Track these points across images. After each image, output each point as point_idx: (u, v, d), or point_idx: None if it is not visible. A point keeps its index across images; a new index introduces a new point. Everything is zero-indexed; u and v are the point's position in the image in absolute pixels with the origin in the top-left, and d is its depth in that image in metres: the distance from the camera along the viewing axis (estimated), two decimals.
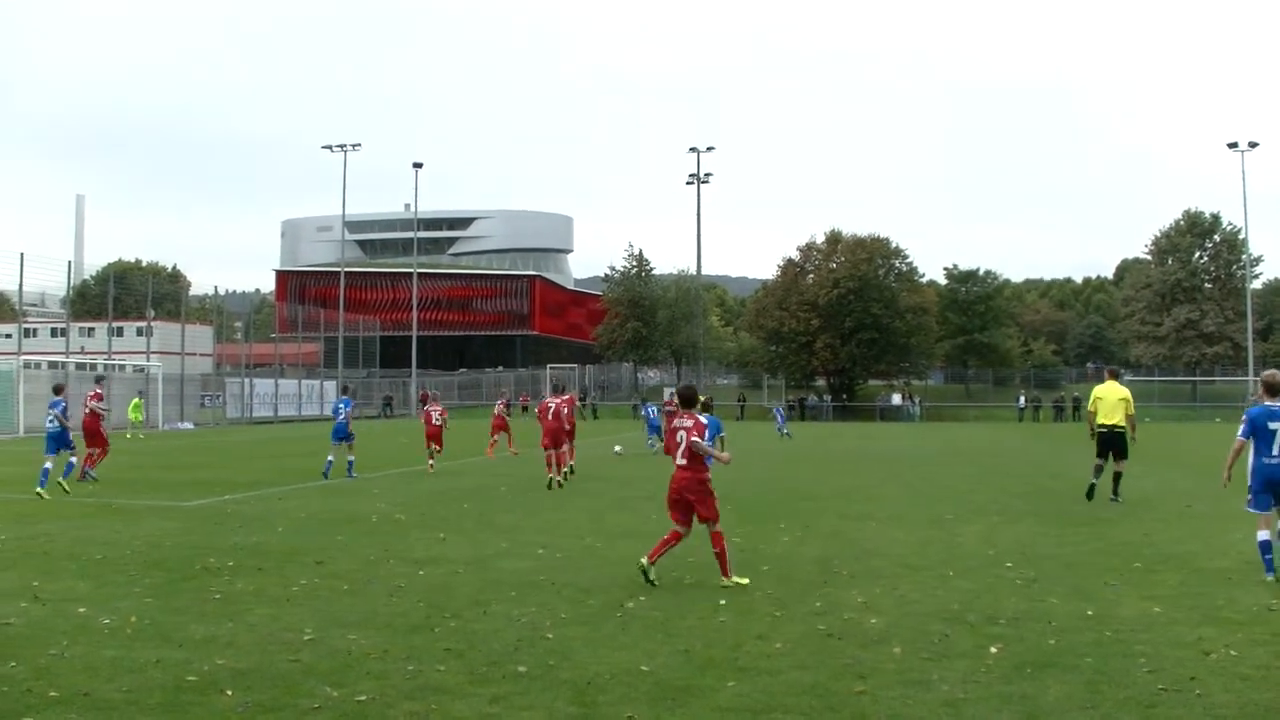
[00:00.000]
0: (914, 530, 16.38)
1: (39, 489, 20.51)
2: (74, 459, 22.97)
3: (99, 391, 26.87)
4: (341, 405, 27.12)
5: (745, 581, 11.62)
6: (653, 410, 39.53)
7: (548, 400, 26.24)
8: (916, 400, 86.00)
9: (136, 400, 53.54)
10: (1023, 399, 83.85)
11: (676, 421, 12.22)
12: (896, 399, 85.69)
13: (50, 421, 22.39)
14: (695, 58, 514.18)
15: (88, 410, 25.86)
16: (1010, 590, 11.24)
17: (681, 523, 11.96)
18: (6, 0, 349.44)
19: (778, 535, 15.61)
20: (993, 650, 8.57)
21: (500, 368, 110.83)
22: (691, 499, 11.89)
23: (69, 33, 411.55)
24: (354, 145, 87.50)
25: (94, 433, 25.17)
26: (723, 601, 10.57)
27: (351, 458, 26.04)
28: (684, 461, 11.96)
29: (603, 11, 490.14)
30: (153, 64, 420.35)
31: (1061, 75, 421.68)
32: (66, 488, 21.51)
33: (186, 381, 65.50)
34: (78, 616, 9.79)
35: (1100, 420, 20.21)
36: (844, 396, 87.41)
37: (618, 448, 36.67)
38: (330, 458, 25.85)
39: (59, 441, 22.14)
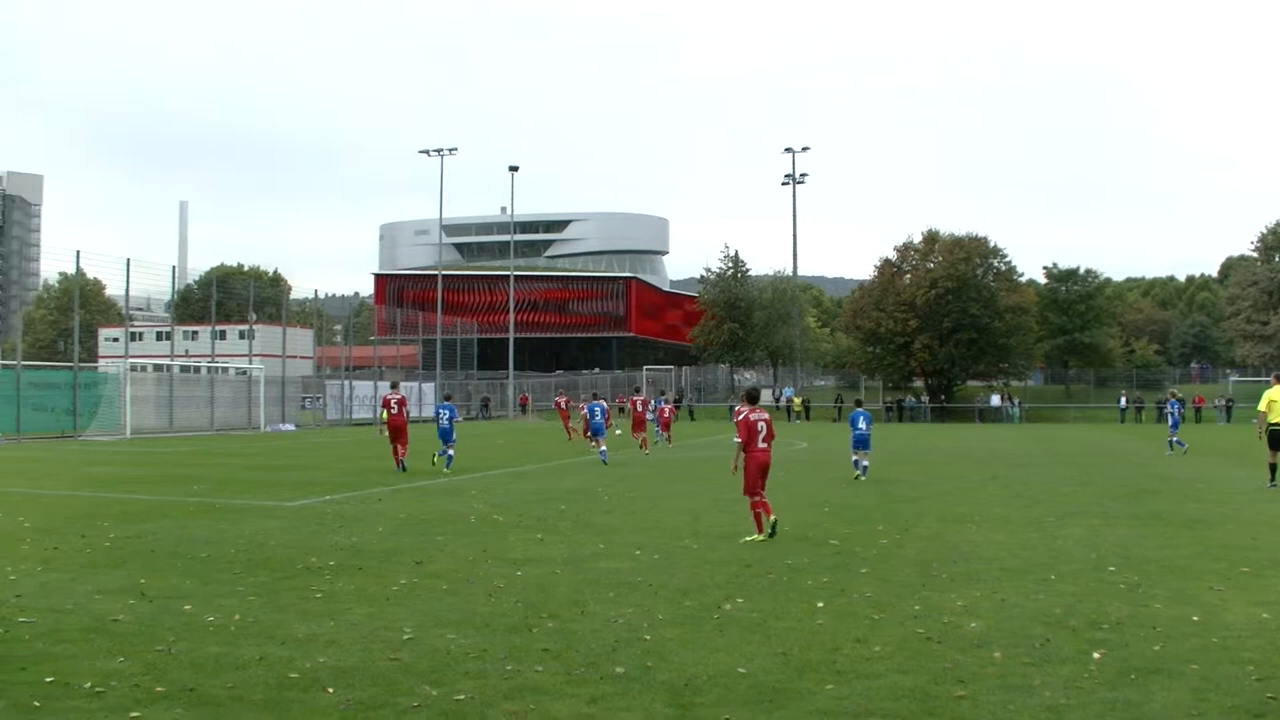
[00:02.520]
0: (1014, 533, 16.17)
1: (445, 469, 27.82)
2: (451, 454, 28.70)
3: (402, 396, 30.26)
4: (443, 410, 29.94)
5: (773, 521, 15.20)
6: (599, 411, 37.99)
7: (634, 398, 38.55)
8: (1016, 401, 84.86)
9: None
10: (1124, 400, 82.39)
11: (754, 415, 15.86)
12: (996, 400, 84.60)
13: (443, 420, 29.25)
14: (791, 57, 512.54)
15: (393, 410, 29.09)
16: (1113, 594, 11.05)
17: (764, 490, 15.57)
18: (109, 17, 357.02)
19: (876, 538, 15.49)
20: (1096, 656, 8.42)
21: (596, 369, 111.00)
22: (766, 473, 15.70)
23: (173, 43, 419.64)
24: (451, 149, 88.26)
25: (400, 428, 28.60)
26: (820, 604, 10.51)
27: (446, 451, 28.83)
28: (765, 445, 15.81)
29: (699, 12, 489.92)
30: (254, 73, 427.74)
31: (1165, 68, 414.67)
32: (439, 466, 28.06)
33: (287, 384, 66.40)
34: (183, 614, 9.96)
35: (1272, 420, 23.15)
36: (942, 398, 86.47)
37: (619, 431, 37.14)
38: (450, 452, 28.77)
39: (447, 435, 28.93)
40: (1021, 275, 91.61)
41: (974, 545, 14.81)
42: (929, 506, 20.06)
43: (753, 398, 16.90)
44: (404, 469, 27.88)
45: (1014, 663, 8.25)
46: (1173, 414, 39.01)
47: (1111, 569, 12.61)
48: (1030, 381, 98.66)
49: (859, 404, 29.27)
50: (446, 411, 29.92)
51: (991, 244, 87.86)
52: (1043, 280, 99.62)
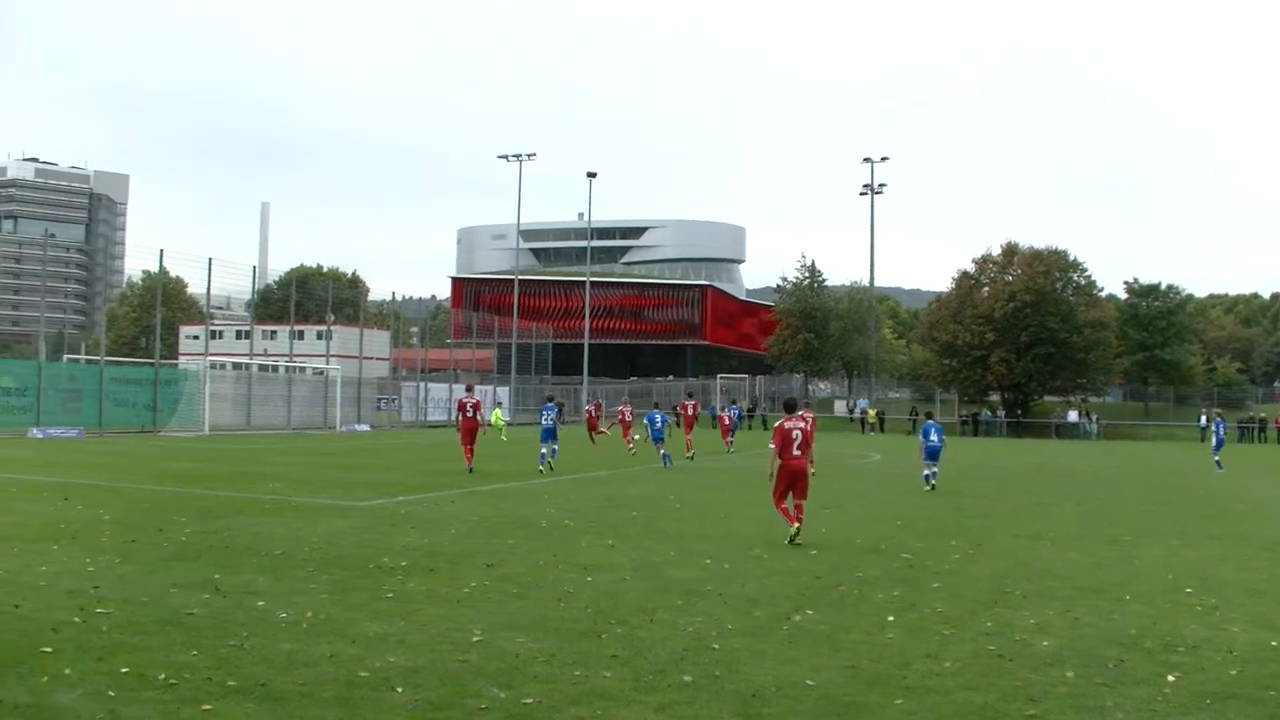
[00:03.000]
0: (1089, 551, 15.97)
1: (540, 467, 29.81)
2: (555, 447, 30.90)
3: (477, 400, 30.88)
4: (547, 410, 32.16)
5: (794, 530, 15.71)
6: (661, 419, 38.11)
7: (684, 403, 41.41)
8: (1094, 418, 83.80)
9: (497, 410, 54.64)
10: (1204, 418, 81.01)
11: (789, 424, 16.47)
12: (1073, 416, 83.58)
13: (546, 420, 31.35)
14: (872, 66, 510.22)
15: (468, 413, 29.92)
16: (1190, 616, 10.88)
17: (788, 497, 16.26)
18: (196, 18, 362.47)
19: (948, 552, 15.36)
20: (1170, 679, 8.29)
21: (670, 376, 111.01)
22: (801, 481, 16.36)
23: (256, 45, 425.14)
24: (529, 155, 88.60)
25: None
26: (891, 618, 10.43)
27: (545, 450, 30.88)
28: (799, 453, 16.37)
29: (778, 20, 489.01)
30: (337, 76, 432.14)
31: (1246, 82, 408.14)
32: (547, 469, 29.70)
33: (364, 385, 67.07)
34: (256, 609, 10.07)
35: None
36: (1018, 412, 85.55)
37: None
38: (545, 451, 30.71)
39: (551, 435, 30.85)
40: (1101, 290, 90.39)
41: (1048, 562, 14.65)
42: (1003, 522, 19.87)
43: (789, 407, 17.50)
44: (470, 471, 28.24)
45: (1086, 683, 8.14)
46: (1217, 433, 38.28)
47: (1189, 590, 12.42)
48: (1108, 398, 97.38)
49: (929, 416, 29.18)
50: (550, 412, 31.84)
51: (1071, 258, 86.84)
52: (1123, 295, 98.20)
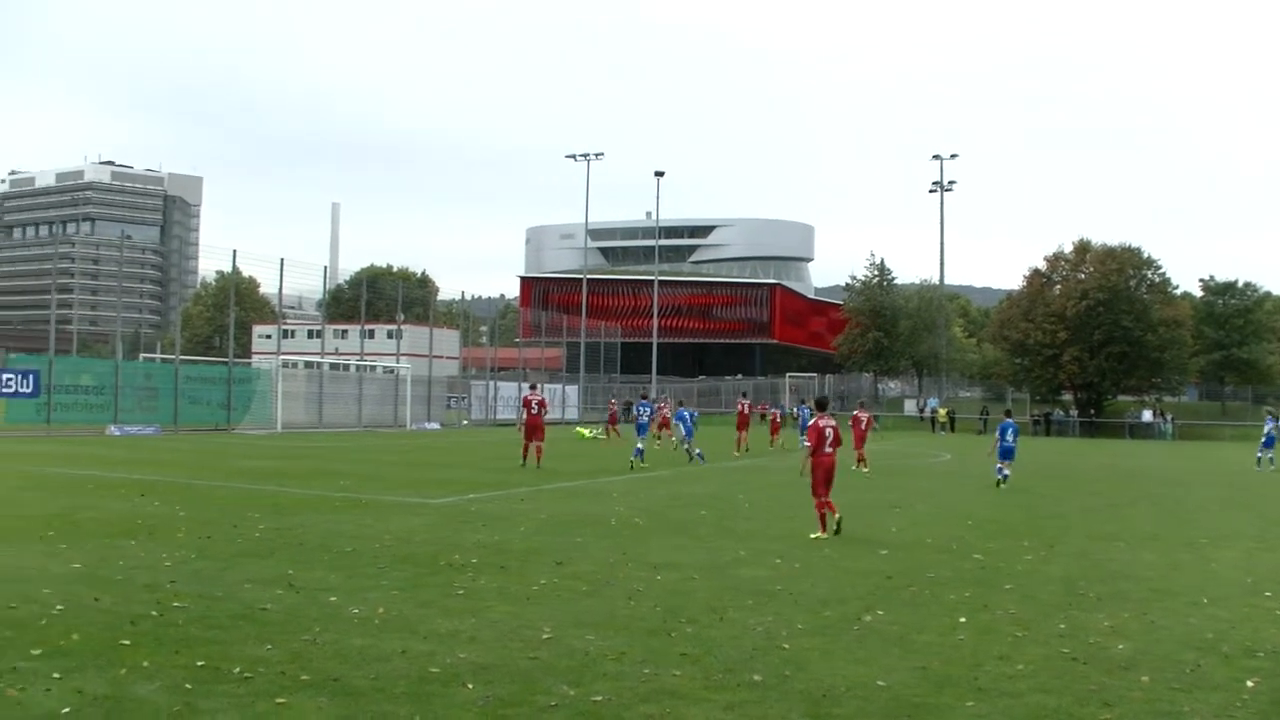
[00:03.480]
0: (1165, 553, 15.78)
1: (633, 459, 31.70)
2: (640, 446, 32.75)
3: (542, 398, 31.95)
4: (643, 408, 35.72)
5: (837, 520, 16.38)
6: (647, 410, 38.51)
7: (741, 401, 43.92)
8: (1169, 417, 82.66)
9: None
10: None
11: (822, 421, 17.08)
12: (1147, 415, 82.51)
13: (642, 416, 34.98)
14: (941, 63, 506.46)
15: (533, 410, 30.86)
16: (1269, 621, 10.72)
17: (827, 492, 16.74)
18: (265, 22, 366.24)
19: (1020, 553, 15.22)
20: (1249, 684, 8.18)
21: (739, 375, 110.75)
22: (832, 476, 16.91)
23: (327, 48, 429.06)
24: (597, 154, 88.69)
25: (536, 428, 30.43)
26: (963, 619, 10.35)
27: (640, 447, 32.99)
28: (830, 451, 16.97)
29: (847, 18, 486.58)
30: (405, 78, 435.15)
31: None
32: (638, 462, 31.53)
33: (433, 383, 67.41)
34: (329, 605, 10.16)
35: None
36: (1091, 412, 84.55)
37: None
38: (639, 446, 32.71)
39: (643, 430, 34.08)
40: (1176, 287, 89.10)
41: (1122, 564, 14.49)
42: (1076, 523, 19.68)
43: (821, 405, 18.69)
44: (537, 467, 28.92)
45: (1162, 687, 8.03)
46: (1269, 432, 37.52)
47: (1268, 594, 12.23)
48: (1184, 397, 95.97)
49: (1008, 414, 29.13)
50: (646, 409, 35.39)
51: (1145, 255, 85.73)
52: (1199, 293, 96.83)
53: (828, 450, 17.01)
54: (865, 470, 31.71)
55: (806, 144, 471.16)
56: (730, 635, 9.40)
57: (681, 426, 35.70)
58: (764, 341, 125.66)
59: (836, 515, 16.47)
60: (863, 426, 34.63)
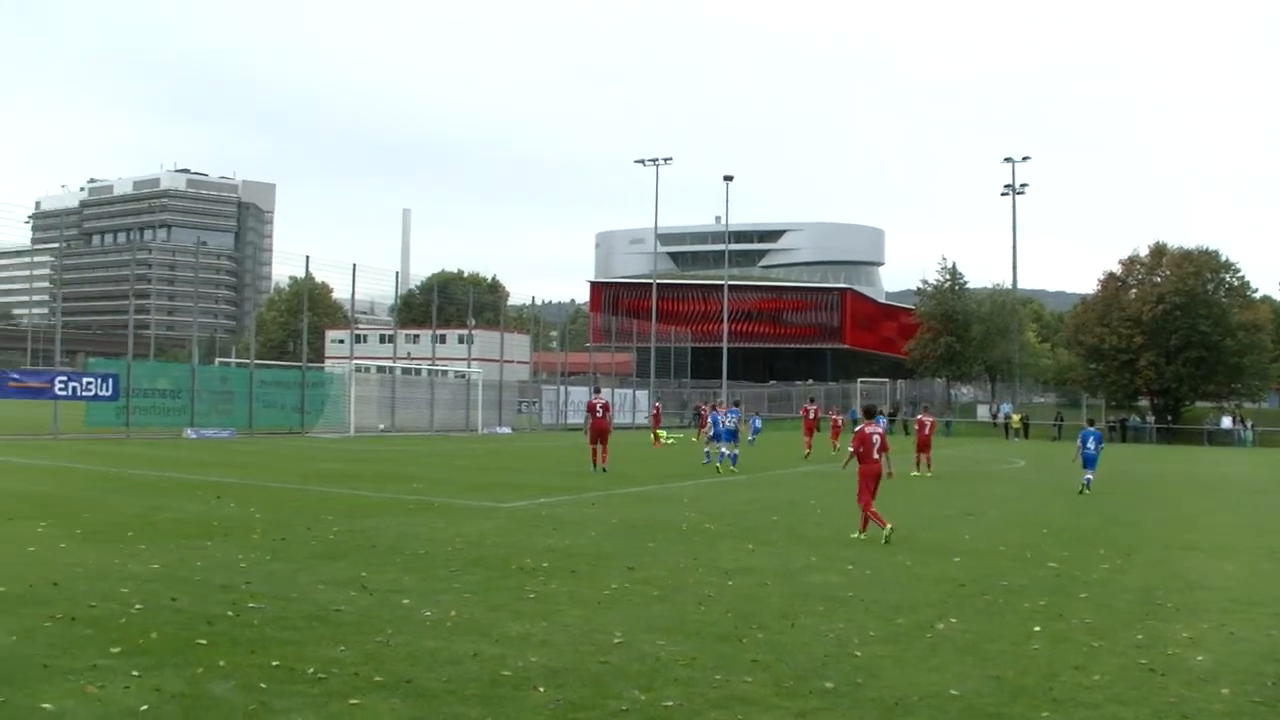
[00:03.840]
0: (1245, 563, 15.53)
1: (717, 465, 32.75)
2: (729, 450, 33.40)
3: (606, 401, 32.51)
4: (732, 415, 35.51)
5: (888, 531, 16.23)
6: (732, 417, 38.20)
7: (806, 407, 44.20)
8: (1249, 424, 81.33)
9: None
10: None
11: (869, 429, 17.25)
12: (1227, 422, 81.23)
13: (729, 422, 34.33)
14: (1012, 64, 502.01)
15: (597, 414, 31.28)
16: None
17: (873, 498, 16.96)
18: (335, 28, 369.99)
19: (1096, 562, 15.03)
20: None
21: (810, 380, 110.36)
22: (878, 483, 17.09)
23: (401, 55, 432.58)
24: (666, 159, 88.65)
25: (602, 431, 30.79)
26: (1037, 628, 10.23)
27: (735, 452, 33.79)
28: (878, 457, 17.10)
29: (915, 20, 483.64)
30: (476, 85, 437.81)
31: None
32: (724, 467, 32.27)
33: (504, 388, 67.70)
34: (402, 607, 10.23)
35: None
36: (1168, 418, 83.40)
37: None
38: (724, 451, 33.36)
39: (731, 435, 33.83)
40: (1255, 291, 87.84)
41: (1201, 574, 14.27)
42: (1153, 531, 19.42)
43: (869, 413, 18.92)
44: (603, 470, 29.16)
45: (1243, 700, 7.90)
46: None
47: None
48: (1264, 404, 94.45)
49: (1090, 422, 29.33)
50: (734, 416, 35.51)
51: (1223, 258, 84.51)
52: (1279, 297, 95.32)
53: (875, 457, 17.17)
54: (928, 474, 31.71)
55: (877, 146, 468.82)
56: (801, 642, 9.36)
57: (713, 427, 35.67)
58: (835, 346, 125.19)
59: (887, 528, 16.37)
60: (926, 430, 34.60)
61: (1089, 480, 26.87)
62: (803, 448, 41.31)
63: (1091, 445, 27.07)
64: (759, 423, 53.40)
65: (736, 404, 41.17)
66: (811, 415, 43.78)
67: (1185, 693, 8.08)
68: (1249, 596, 12.46)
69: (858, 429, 17.57)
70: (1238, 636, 10.18)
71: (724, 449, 33.76)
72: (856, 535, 16.88)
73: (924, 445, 33.75)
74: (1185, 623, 10.73)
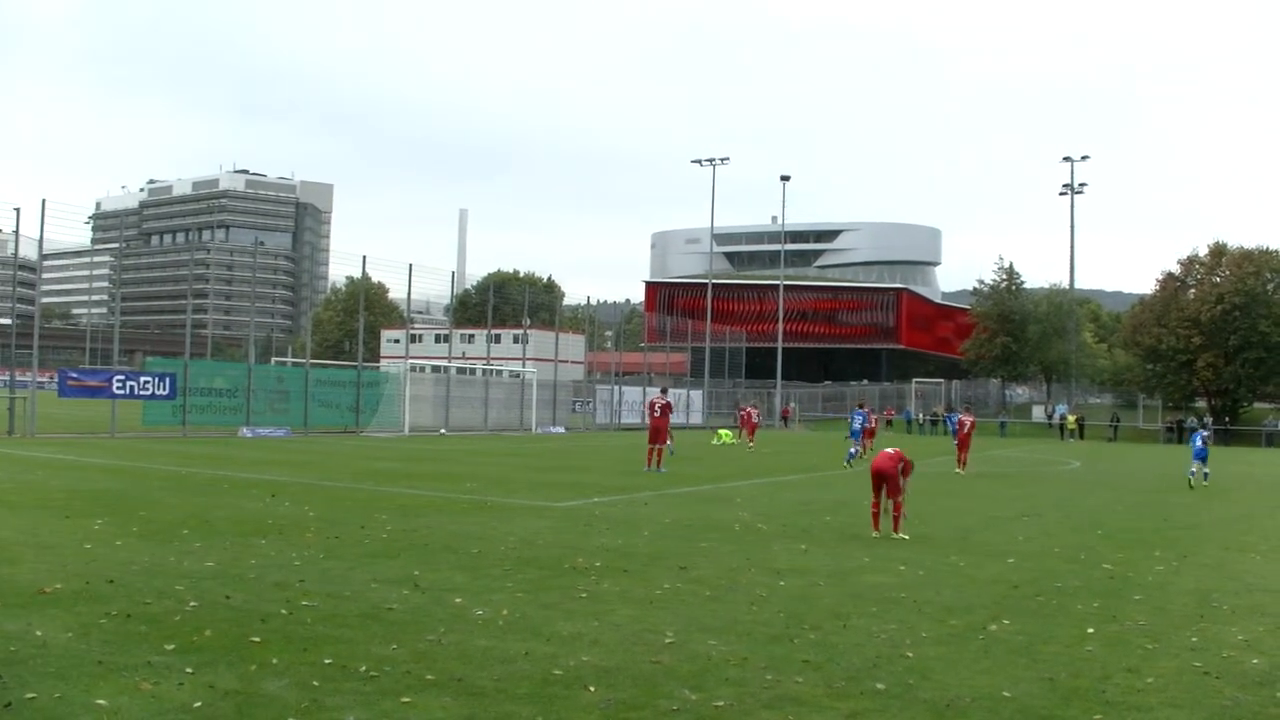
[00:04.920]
0: None
1: (847, 463, 34.97)
2: (855, 448, 37.31)
3: (667, 401, 32.53)
4: (857, 416, 40.70)
5: (906, 536, 16.52)
6: (859, 418, 41.75)
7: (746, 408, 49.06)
8: None
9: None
10: None
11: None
12: None
13: (856, 421, 40.11)
14: (1069, 64, 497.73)
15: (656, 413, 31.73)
16: None
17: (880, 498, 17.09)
18: (393, 29, 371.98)
19: (1151, 564, 14.88)
20: None
21: (865, 381, 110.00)
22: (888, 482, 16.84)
23: (454, 53, 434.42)
24: (722, 159, 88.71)
25: (659, 430, 30.93)
26: (1091, 630, 10.14)
27: (854, 450, 37.25)
28: (892, 450, 17.17)
29: (970, 19, 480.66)
30: (534, 86, 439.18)
31: None
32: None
33: (559, 387, 67.82)
34: (454, 606, 10.26)
35: None
36: (1226, 419, 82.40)
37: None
38: (852, 450, 37.11)
39: (856, 435, 39.10)
40: None
41: (1259, 576, 14.11)
42: (1210, 533, 19.21)
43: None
44: (661, 470, 29.23)
45: None
46: None
47: None
48: None
49: (1203, 423, 32.23)
50: (859, 417, 40.49)
51: None
52: None
53: (888, 450, 17.39)
54: (961, 472, 32.05)
55: (934, 146, 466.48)
56: (853, 642, 9.32)
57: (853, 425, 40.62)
58: (890, 347, 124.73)
59: (899, 534, 16.79)
60: (965, 430, 34.70)
61: (1202, 473, 30.18)
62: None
63: (1199, 442, 30.87)
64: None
65: (861, 406, 43.84)
66: (873, 423, 44.07)
67: (1240, 695, 7.99)
68: None
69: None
70: None
71: (852, 447, 37.80)
72: (898, 535, 16.82)
73: (964, 444, 33.98)
74: (1241, 625, 10.60)
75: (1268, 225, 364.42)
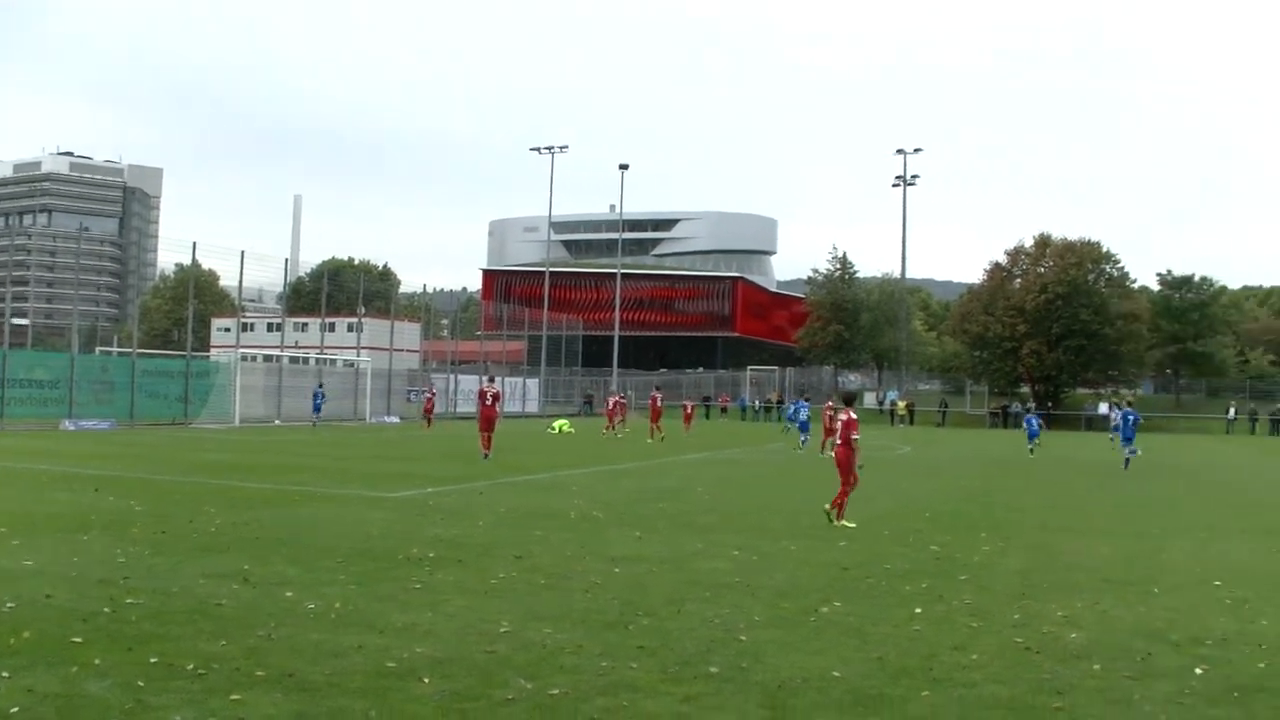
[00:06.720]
0: (1118, 544, 15.91)
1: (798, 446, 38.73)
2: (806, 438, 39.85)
3: (498, 390, 34.06)
4: (802, 408, 43.36)
5: (852, 525, 16.68)
6: (804, 410, 44.12)
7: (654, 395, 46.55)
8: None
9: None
10: (1233, 410, 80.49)
11: (845, 416, 17.92)
12: (1104, 408, 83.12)
13: (801, 415, 42.26)
14: (903, 58, 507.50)
15: (487, 402, 31.95)
16: (1218, 609, 10.83)
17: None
18: (225, 11, 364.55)
19: (977, 545, 15.31)
20: (1198, 671, 8.25)
21: (700, 368, 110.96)
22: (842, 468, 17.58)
23: (287, 38, 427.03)
24: (561, 147, 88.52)
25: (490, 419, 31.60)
26: (919, 610, 10.40)
27: (805, 438, 40.39)
28: (840, 442, 17.82)
29: (809, 11, 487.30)
30: (371, 69, 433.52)
31: (1275, 73, 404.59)
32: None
33: (394, 376, 67.16)
34: (285, 600, 10.11)
35: None
36: (1049, 405, 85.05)
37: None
38: (805, 438, 40.51)
39: (805, 425, 41.39)
40: (1134, 281, 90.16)
41: (1076, 555, 14.62)
42: (1031, 515, 19.82)
43: (848, 399, 19.81)
44: (487, 457, 29.65)
45: (1114, 676, 8.10)
46: (1123, 424, 36.13)
47: (1217, 583, 12.34)
48: (1140, 390, 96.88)
49: (1129, 405, 36.27)
50: (804, 409, 42.87)
51: (1104, 249, 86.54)
52: (1156, 287, 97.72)
53: (837, 442, 18.21)
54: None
55: (771, 137, 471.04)
56: (687, 628, 9.41)
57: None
58: (726, 335, 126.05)
59: (832, 511, 17.27)
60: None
61: (1134, 453, 33.10)
62: (649, 432, 44.43)
63: (1035, 424, 34.18)
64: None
65: (807, 399, 47.88)
66: (657, 404, 45.80)
67: (1059, 669, 8.27)
68: (1121, 576, 12.76)
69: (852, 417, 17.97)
70: (1109, 615, 10.42)
71: (805, 437, 40.73)
72: (842, 523, 17.03)
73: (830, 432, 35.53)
74: (1060, 602, 10.96)
75: (1091, 218, 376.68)
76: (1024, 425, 37.19)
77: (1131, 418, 36.11)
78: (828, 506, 17.31)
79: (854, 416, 17.90)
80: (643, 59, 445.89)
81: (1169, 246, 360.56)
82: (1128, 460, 34.25)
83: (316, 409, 52.96)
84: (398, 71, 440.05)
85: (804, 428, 41.88)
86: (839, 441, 17.99)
